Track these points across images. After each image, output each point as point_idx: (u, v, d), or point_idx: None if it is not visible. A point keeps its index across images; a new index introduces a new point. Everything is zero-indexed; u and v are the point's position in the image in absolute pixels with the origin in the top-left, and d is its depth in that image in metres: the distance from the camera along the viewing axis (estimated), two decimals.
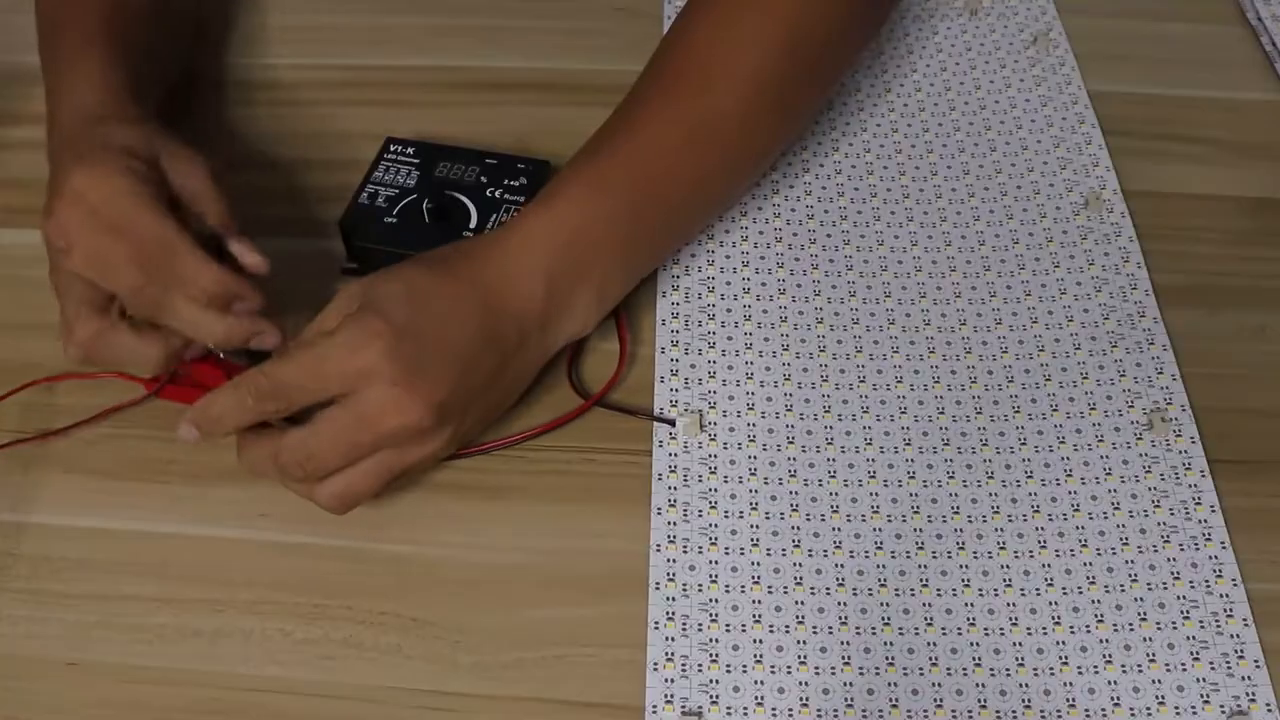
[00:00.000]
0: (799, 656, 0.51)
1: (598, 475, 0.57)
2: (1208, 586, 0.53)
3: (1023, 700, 0.50)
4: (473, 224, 0.64)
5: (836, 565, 0.54)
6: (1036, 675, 0.51)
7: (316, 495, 0.53)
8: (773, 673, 0.51)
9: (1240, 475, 0.56)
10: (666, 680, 0.50)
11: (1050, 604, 0.52)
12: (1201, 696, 0.49)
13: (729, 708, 0.50)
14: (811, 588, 0.53)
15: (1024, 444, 0.58)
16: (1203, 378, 0.59)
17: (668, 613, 0.52)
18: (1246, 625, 0.51)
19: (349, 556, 0.54)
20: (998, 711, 0.50)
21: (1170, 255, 0.65)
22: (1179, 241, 0.66)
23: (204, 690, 0.50)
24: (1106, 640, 0.51)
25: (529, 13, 0.80)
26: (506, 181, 0.65)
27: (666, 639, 0.52)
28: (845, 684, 0.51)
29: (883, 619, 0.52)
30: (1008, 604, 0.53)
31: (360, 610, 0.53)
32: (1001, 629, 0.52)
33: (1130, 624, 0.52)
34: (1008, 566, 0.53)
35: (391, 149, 0.67)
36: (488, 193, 0.65)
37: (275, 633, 0.52)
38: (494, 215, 0.64)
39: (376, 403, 0.51)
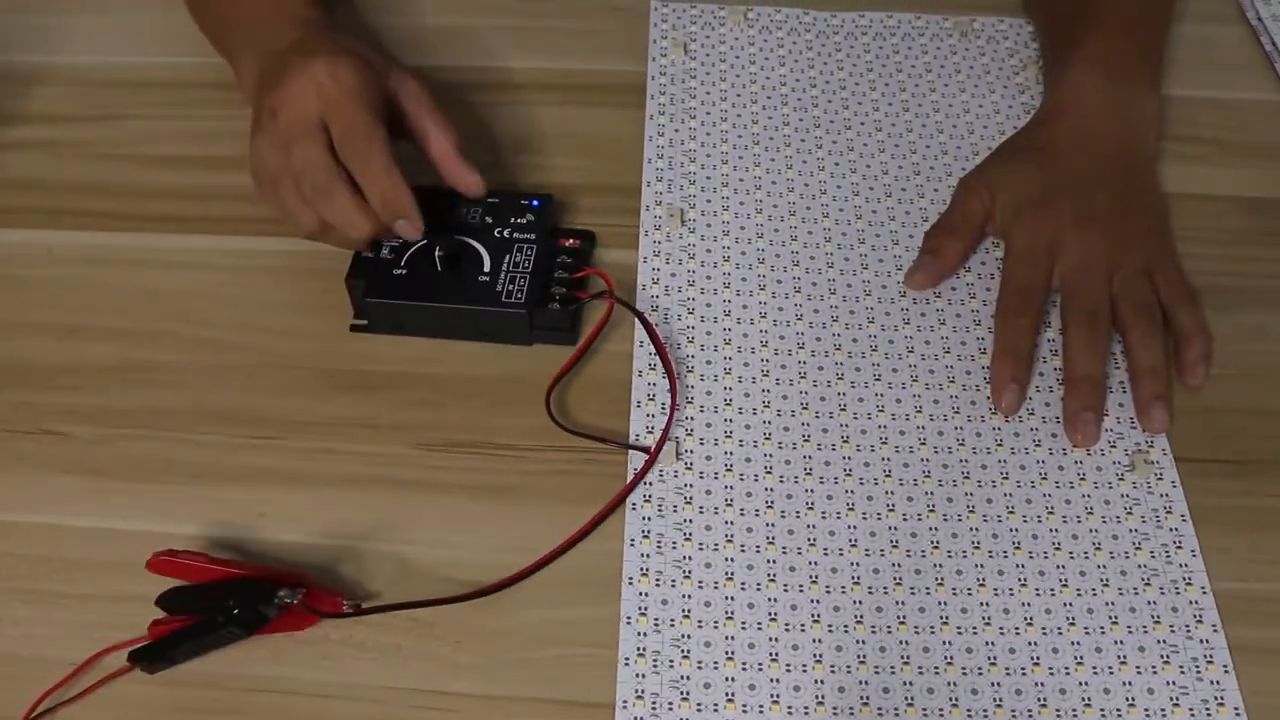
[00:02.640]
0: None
1: (597, 476, 0.55)
2: (1188, 631, 0.51)
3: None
4: (486, 268, 0.60)
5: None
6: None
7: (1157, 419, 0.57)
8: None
9: (1240, 475, 0.55)
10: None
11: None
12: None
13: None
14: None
15: (1006, 478, 0.55)
16: None
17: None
18: (1227, 672, 0.50)
19: (349, 556, 0.53)
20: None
21: None
22: (1179, 241, 0.64)
23: (204, 690, 0.49)
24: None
25: (529, 12, 0.78)
26: (513, 219, 0.62)
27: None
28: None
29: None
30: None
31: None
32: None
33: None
34: (993, 604, 0.51)
35: None
36: (496, 233, 0.62)
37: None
38: (506, 256, 0.60)
39: (1083, 255, 0.61)
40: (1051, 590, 0.52)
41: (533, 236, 0.62)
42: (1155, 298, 0.60)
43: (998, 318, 0.60)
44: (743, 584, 0.52)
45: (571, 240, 0.64)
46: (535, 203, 0.63)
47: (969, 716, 0.48)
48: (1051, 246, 0.61)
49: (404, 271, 0.60)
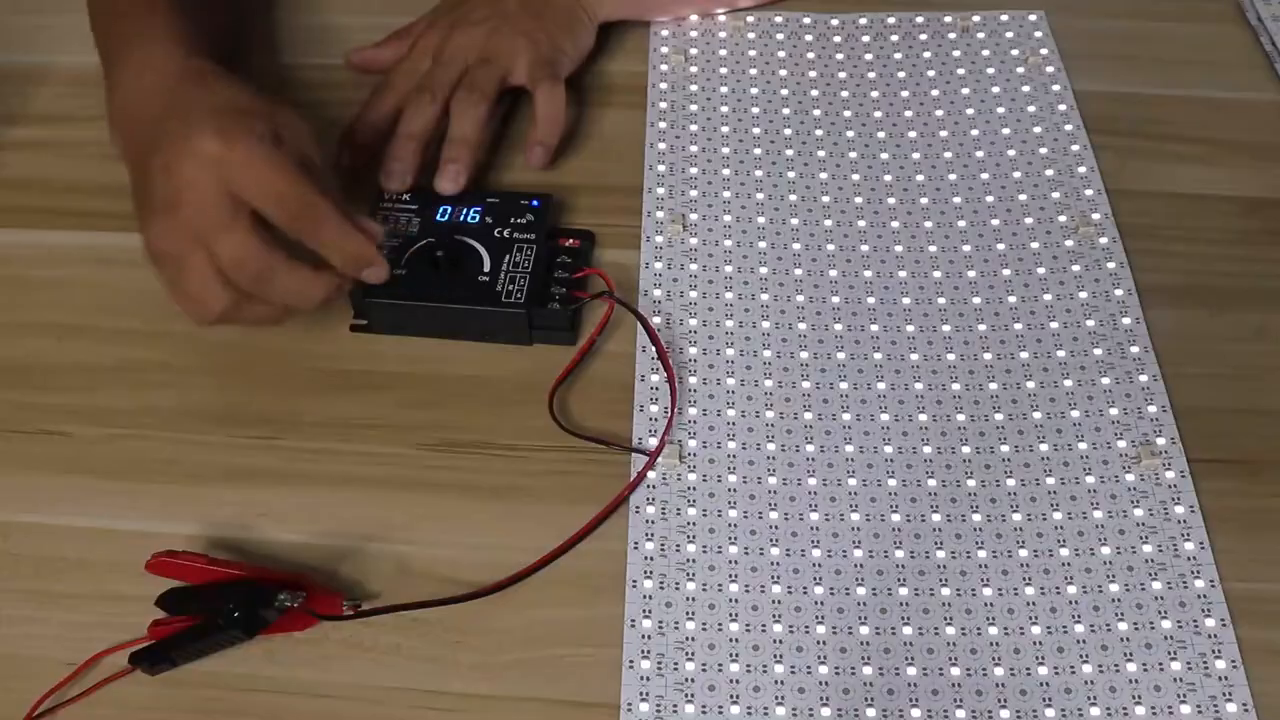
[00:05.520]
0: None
1: (597, 476, 0.55)
2: (1196, 626, 0.50)
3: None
4: (486, 268, 0.60)
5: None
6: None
7: None
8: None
9: (1240, 475, 0.55)
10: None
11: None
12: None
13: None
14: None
15: (1009, 475, 0.55)
16: (1202, 378, 0.58)
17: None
18: (1235, 666, 0.49)
19: (349, 556, 0.53)
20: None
21: (1170, 255, 0.63)
22: (1179, 241, 0.63)
23: (204, 690, 0.49)
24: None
25: None
26: (513, 220, 0.62)
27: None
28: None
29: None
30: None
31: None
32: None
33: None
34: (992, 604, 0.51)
35: (386, 198, 0.63)
36: (495, 233, 0.61)
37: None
38: (506, 256, 0.60)
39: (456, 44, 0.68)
40: (1056, 588, 0.51)
41: (532, 236, 0.61)
42: (491, 83, 0.66)
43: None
44: (746, 585, 0.51)
45: (571, 240, 0.63)
46: (535, 203, 0.63)
47: (974, 717, 0.48)
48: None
49: (404, 271, 0.60)
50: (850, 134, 0.69)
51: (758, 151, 0.68)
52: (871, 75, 0.73)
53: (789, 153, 0.68)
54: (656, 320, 0.60)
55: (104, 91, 0.60)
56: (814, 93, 0.72)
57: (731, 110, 0.71)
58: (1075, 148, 0.68)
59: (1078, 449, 0.55)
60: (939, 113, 0.70)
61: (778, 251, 0.64)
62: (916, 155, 0.68)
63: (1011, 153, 0.68)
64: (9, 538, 0.54)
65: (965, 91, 0.71)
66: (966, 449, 0.56)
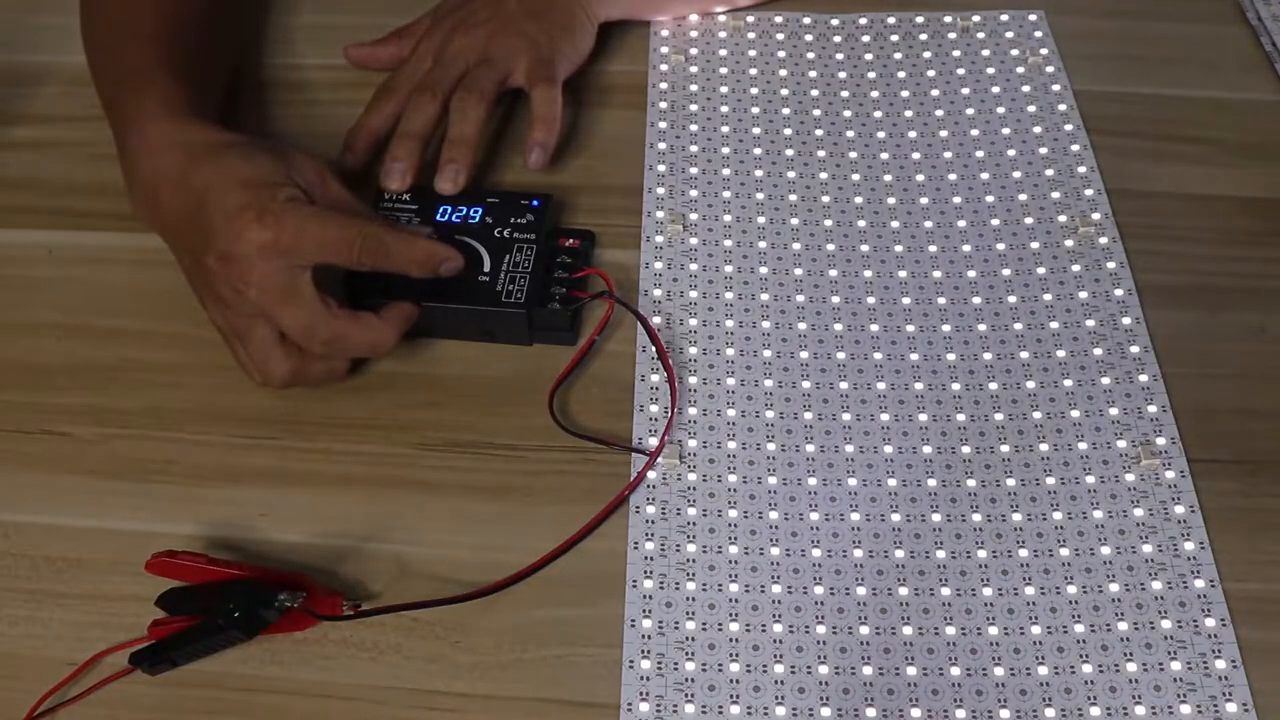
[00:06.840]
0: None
1: (597, 476, 0.55)
2: (1196, 626, 0.50)
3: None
4: (486, 268, 0.60)
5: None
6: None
7: None
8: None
9: (1239, 476, 0.55)
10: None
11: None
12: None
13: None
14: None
15: (1009, 475, 0.55)
16: (1202, 378, 0.58)
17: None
18: (1235, 666, 0.49)
19: (349, 556, 0.53)
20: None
21: (1170, 255, 0.63)
22: (1179, 242, 0.63)
23: (204, 690, 0.49)
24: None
25: None
26: (513, 220, 0.62)
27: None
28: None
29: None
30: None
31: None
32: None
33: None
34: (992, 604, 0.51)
35: (386, 197, 0.63)
36: (496, 233, 0.61)
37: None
38: (506, 256, 0.60)
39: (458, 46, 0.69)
40: (1056, 588, 0.51)
41: (532, 236, 0.61)
42: (491, 84, 0.66)
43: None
44: (746, 585, 0.51)
45: (571, 240, 0.63)
46: (535, 203, 0.63)
47: (974, 717, 0.48)
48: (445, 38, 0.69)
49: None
50: (850, 134, 0.69)
51: (758, 151, 0.68)
52: (871, 75, 0.72)
53: (789, 153, 0.68)
54: (656, 320, 0.60)
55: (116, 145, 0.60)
56: (814, 93, 0.72)
57: (731, 110, 0.71)
58: (1075, 148, 0.68)
59: (1078, 449, 0.55)
60: (939, 113, 0.70)
61: (778, 251, 0.64)
62: (916, 155, 0.68)
63: (1011, 153, 0.68)
64: (9, 538, 0.54)
65: (965, 91, 0.71)
66: (966, 449, 0.56)
